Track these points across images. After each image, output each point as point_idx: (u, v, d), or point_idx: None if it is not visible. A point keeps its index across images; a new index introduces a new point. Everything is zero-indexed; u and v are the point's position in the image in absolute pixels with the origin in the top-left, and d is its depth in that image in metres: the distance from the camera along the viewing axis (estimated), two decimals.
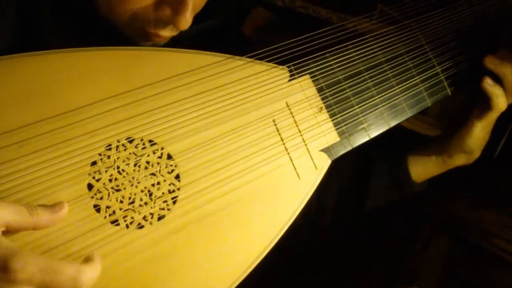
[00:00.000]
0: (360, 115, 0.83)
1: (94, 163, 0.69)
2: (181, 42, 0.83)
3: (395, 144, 1.01)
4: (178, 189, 0.72)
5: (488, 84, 0.87)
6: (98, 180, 0.69)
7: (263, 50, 0.78)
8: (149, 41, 0.81)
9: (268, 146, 0.77)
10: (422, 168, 1.02)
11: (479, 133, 0.93)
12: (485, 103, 0.89)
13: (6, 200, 0.62)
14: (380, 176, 1.03)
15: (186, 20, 0.74)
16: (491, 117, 0.91)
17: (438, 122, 1.28)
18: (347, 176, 1.04)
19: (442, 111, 1.24)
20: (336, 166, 0.83)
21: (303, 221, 0.96)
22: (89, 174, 0.69)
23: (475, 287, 1.49)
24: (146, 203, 0.71)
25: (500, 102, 0.88)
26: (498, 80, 0.88)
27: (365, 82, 0.84)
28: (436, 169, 1.01)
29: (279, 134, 0.78)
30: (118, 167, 0.70)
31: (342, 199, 1.05)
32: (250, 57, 0.79)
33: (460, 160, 0.98)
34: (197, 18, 0.80)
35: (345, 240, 1.51)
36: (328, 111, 0.81)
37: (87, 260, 0.62)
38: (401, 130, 1.08)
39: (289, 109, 0.79)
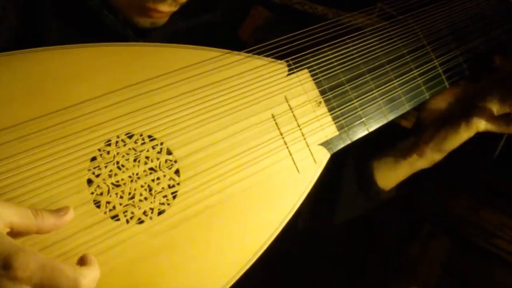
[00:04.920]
0: (359, 109, 0.83)
1: (93, 158, 0.69)
2: (178, 35, 0.83)
3: (362, 150, 0.99)
4: (178, 184, 0.72)
5: None
6: (98, 176, 0.69)
7: (261, 45, 0.79)
8: (148, 18, 0.80)
9: (267, 140, 0.77)
10: (386, 172, 0.99)
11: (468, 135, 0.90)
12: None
13: (12, 202, 0.62)
14: (348, 182, 1.01)
15: None
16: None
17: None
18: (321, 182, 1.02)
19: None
20: None
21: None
22: (89, 170, 0.69)
23: (475, 287, 1.49)
24: (146, 198, 0.70)
25: None
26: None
27: (364, 76, 0.84)
28: (401, 171, 0.98)
29: (278, 128, 0.78)
30: (117, 163, 0.70)
31: (315, 204, 1.01)
32: (248, 51, 0.79)
33: (427, 161, 0.95)
34: (194, 11, 0.80)
35: (344, 240, 1.51)
36: (326, 105, 0.81)
37: (84, 261, 0.63)
38: (394, 126, 1.06)
39: (288, 104, 0.79)
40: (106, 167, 0.70)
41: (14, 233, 0.60)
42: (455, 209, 1.50)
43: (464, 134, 0.90)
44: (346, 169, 1.01)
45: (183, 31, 0.85)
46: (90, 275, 0.59)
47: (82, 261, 0.63)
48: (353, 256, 1.59)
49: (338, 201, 1.01)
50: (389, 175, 1.00)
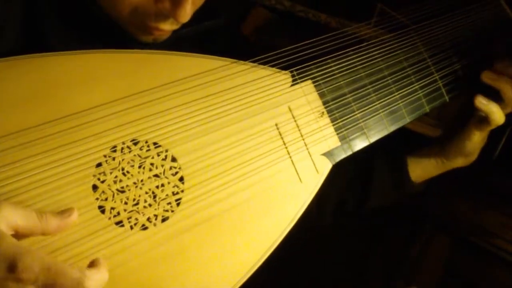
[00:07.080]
0: (361, 120, 0.84)
1: (99, 164, 0.70)
2: (182, 41, 0.84)
3: (394, 145, 1.01)
4: (182, 191, 0.73)
5: (482, 103, 0.87)
6: (103, 182, 0.69)
7: (266, 55, 0.79)
8: (150, 35, 0.81)
9: (270, 149, 0.78)
10: (421, 170, 1.02)
11: (477, 138, 0.93)
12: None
13: (16, 205, 0.62)
14: (382, 177, 1.03)
15: (185, 13, 0.74)
16: (488, 129, 0.92)
17: (438, 122, 1.29)
18: (348, 177, 1.04)
19: (443, 111, 1.25)
20: (337, 168, 0.83)
21: (302, 227, 0.97)
22: (94, 176, 0.69)
23: (475, 287, 1.50)
24: (150, 205, 0.71)
25: (496, 118, 0.88)
26: (495, 94, 0.88)
27: (366, 88, 0.85)
28: (435, 170, 1.01)
29: (282, 138, 0.79)
30: (122, 169, 0.71)
31: (344, 200, 1.05)
32: (253, 61, 0.79)
33: (458, 162, 0.99)
34: (198, 18, 0.81)
35: (345, 240, 1.52)
36: (329, 116, 0.82)
37: (92, 264, 0.63)
38: (402, 130, 1.07)
39: (292, 114, 0.80)
40: (111, 173, 0.70)
41: (19, 236, 0.61)
42: (455, 210, 1.51)
43: (475, 136, 0.93)
44: (378, 165, 1.04)
45: (187, 37, 0.86)
46: (95, 277, 0.59)
47: (91, 264, 0.63)
48: (354, 257, 1.60)
49: (371, 196, 1.03)
50: (423, 172, 1.02)
